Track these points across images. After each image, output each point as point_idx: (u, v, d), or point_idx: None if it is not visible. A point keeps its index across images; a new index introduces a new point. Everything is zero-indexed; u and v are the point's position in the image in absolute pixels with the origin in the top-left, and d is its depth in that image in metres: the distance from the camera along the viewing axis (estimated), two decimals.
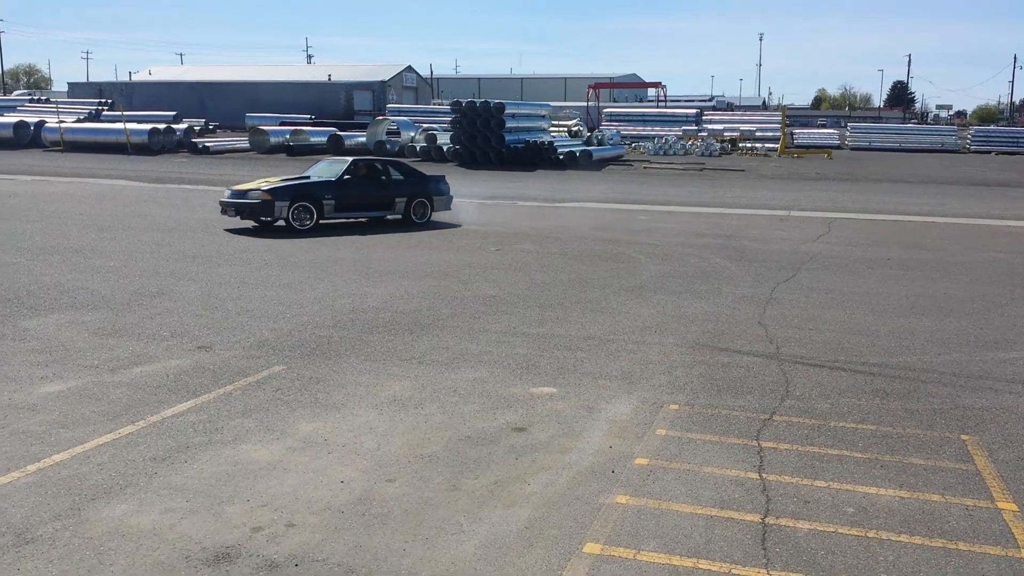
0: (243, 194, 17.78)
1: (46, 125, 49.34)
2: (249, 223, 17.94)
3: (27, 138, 48.50)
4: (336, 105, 74.27)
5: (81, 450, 6.24)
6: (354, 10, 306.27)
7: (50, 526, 5.09)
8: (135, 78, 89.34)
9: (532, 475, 5.94)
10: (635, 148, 50.27)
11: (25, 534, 4.98)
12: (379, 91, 77.46)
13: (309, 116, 64.25)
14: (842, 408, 7.45)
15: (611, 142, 47.14)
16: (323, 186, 18.36)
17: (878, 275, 13.95)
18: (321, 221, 18.13)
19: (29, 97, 78.44)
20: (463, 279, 12.93)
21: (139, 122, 49.51)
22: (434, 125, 49.00)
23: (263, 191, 17.61)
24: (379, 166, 19.66)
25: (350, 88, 77.15)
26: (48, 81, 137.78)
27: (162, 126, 48.04)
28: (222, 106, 73.17)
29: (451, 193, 20.61)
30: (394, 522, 5.22)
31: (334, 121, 58.21)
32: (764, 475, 6.00)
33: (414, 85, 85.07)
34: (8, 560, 4.70)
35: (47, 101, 69.05)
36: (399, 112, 58.50)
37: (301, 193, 17.90)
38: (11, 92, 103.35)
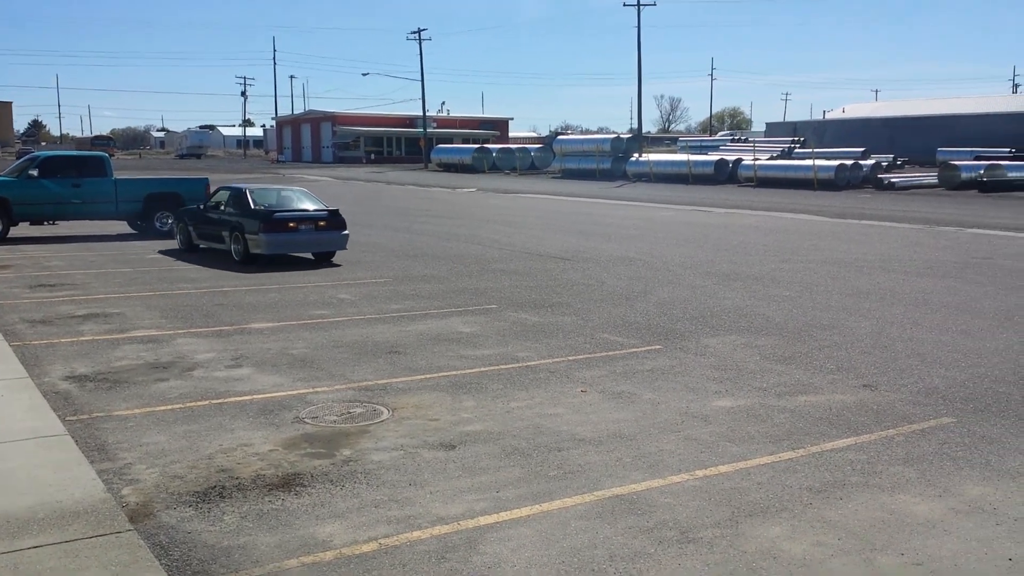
0: None
1: (742, 163, 53.55)
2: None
3: (725, 175, 53.24)
4: None
5: (744, 466, 6.61)
6: None
7: (710, 531, 5.49)
8: (828, 116, 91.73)
9: None
10: None
11: (688, 533, 5.46)
12: None
13: (1010, 150, 58.57)
14: None
15: None
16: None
17: None
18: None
19: (730, 137, 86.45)
20: None
21: (827, 159, 50.73)
22: None
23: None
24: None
25: None
26: (748, 122, 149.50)
27: (849, 162, 48.53)
28: (913, 141, 70.85)
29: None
30: None
31: None
32: None
33: None
34: (672, 553, 5.20)
35: (745, 141, 75.16)
36: None
37: None
38: (715, 133, 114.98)
